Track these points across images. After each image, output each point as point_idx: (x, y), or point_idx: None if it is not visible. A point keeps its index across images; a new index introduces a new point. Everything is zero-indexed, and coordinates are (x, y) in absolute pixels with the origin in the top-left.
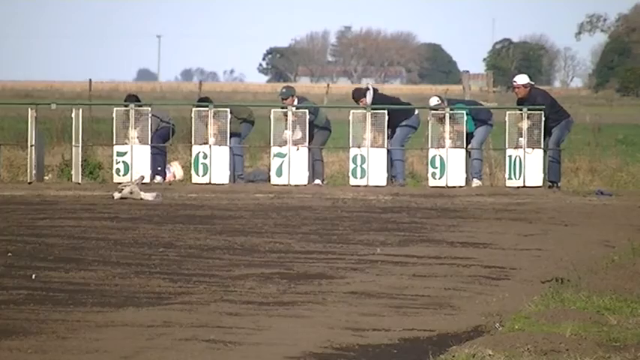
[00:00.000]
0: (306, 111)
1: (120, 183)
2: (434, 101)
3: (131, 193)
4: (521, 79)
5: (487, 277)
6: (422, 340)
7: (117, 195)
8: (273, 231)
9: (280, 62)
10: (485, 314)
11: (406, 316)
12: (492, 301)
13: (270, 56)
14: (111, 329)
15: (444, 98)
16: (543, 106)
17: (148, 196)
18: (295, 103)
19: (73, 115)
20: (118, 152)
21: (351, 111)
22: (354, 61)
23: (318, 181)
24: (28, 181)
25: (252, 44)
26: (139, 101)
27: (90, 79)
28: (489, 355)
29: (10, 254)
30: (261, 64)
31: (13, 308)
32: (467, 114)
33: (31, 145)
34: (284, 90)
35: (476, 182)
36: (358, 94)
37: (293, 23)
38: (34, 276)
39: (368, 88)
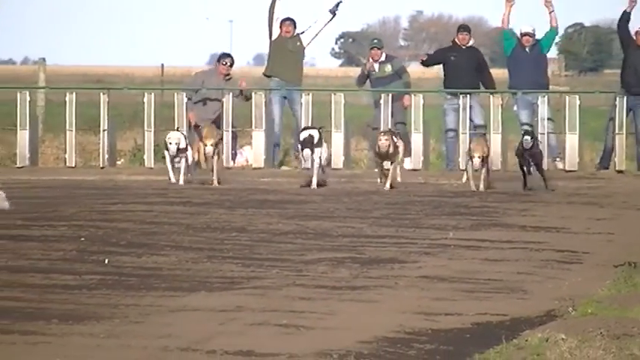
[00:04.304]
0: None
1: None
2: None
3: None
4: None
5: (559, 261)
6: (494, 324)
7: None
8: (344, 215)
9: (352, 47)
10: (557, 298)
11: (478, 300)
12: (564, 285)
13: (342, 40)
14: (182, 314)
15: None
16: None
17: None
18: (383, 58)
19: (145, 99)
20: None
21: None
22: (426, 45)
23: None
24: (101, 165)
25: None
26: (233, 61)
27: (162, 64)
28: (562, 339)
29: (82, 239)
30: (333, 49)
31: (86, 293)
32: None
33: (104, 130)
34: (375, 40)
35: (558, 164)
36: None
37: (365, 7)
38: (106, 261)
39: None
